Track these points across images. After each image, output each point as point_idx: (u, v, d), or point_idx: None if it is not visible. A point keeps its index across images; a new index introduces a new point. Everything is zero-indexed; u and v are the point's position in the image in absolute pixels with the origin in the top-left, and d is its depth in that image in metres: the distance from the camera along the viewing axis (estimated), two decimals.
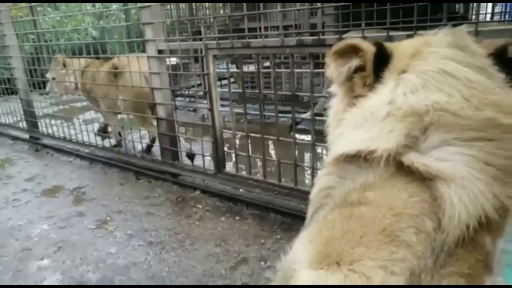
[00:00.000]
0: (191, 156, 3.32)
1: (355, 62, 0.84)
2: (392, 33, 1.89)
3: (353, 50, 0.85)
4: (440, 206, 0.64)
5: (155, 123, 3.27)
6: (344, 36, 2.16)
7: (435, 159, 0.68)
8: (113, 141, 4.09)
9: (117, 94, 3.55)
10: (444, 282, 0.61)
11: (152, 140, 3.90)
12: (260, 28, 3.74)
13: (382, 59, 0.83)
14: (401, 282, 0.59)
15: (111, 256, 2.22)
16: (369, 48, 0.83)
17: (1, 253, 2.30)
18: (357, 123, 0.81)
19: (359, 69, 0.85)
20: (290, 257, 0.76)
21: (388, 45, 0.86)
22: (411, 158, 0.69)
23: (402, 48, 0.85)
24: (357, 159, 0.76)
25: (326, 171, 0.83)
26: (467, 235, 0.62)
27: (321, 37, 2.20)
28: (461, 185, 0.64)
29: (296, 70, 2.32)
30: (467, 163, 0.66)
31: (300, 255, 0.72)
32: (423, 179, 0.68)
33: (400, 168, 0.70)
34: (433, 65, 0.76)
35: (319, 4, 2.55)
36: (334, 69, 0.88)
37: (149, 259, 2.17)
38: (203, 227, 2.46)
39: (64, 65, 3.84)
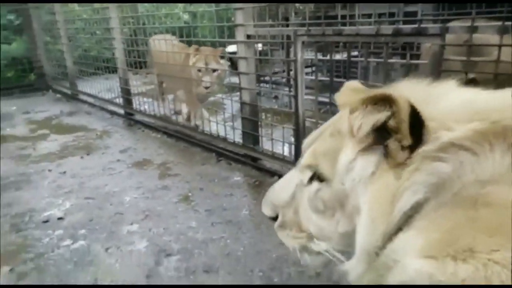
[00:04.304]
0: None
1: (385, 115, 0.69)
2: (509, 23, 1.69)
3: (386, 103, 0.69)
4: None
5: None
6: (449, 25, 1.99)
7: None
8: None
9: None
10: None
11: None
12: (349, 15, 3.60)
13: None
14: None
15: (191, 229, 2.35)
16: (405, 105, 0.67)
17: (99, 214, 2.56)
18: None
19: (386, 128, 0.70)
20: (389, 247, 0.65)
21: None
22: None
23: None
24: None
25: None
26: None
27: (421, 25, 2.05)
28: None
29: (391, 61, 2.16)
30: None
31: (404, 243, 0.61)
32: None
33: None
34: None
35: None
36: (358, 118, 0.72)
37: (226, 237, 2.25)
38: None
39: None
